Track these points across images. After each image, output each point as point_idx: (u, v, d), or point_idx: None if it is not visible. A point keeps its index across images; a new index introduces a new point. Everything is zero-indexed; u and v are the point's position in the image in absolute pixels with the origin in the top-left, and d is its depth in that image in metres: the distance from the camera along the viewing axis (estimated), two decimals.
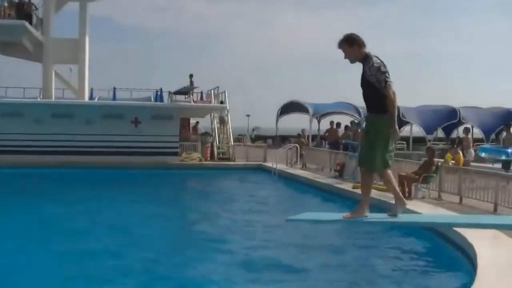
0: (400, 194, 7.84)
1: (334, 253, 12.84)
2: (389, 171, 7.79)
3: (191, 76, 36.98)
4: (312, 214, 7.99)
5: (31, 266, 11.41)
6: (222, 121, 38.25)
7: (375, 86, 7.40)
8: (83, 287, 10.30)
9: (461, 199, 17.58)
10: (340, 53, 7.60)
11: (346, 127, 29.43)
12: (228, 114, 38.30)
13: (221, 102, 37.40)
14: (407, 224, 11.98)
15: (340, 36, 7.59)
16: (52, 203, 19.73)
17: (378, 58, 7.48)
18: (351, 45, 7.53)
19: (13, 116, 33.47)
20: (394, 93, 7.34)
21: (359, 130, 25.49)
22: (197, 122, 39.82)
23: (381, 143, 7.56)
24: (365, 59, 7.50)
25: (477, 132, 43.20)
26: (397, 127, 7.49)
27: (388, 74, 7.40)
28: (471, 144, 24.99)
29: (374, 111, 7.58)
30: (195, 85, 37.01)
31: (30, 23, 33.91)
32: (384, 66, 7.43)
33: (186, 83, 36.86)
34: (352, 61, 7.64)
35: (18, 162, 31.64)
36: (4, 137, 33.03)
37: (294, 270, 11.14)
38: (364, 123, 7.76)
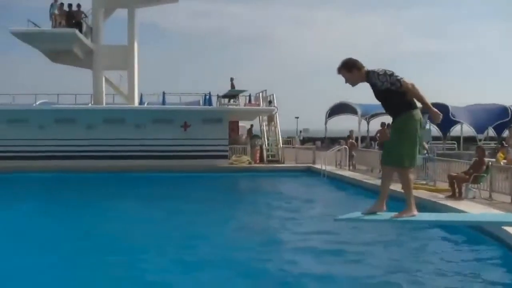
0: (413, 201, 7.89)
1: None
2: (409, 172, 7.87)
3: (232, 79, 37.23)
4: (360, 214, 8.03)
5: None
6: (270, 120, 38.37)
7: (393, 90, 7.48)
8: None
9: None
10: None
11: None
12: (277, 116, 38.40)
13: (270, 102, 37.52)
14: (457, 223, 11.97)
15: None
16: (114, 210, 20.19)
17: (378, 68, 7.59)
18: (350, 70, 7.67)
19: (66, 122, 34.11)
20: (413, 85, 7.42)
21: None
22: (252, 125, 39.91)
23: (407, 140, 7.64)
24: (367, 76, 7.60)
25: None
26: (436, 110, 7.55)
27: (396, 73, 7.48)
28: None
29: (399, 113, 7.64)
30: (237, 87, 37.18)
31: (80, 31, 34.52)
32: (388, 70, 7.54)
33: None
34: (354, 84, 7.78)
35: (71, 167, 32.32)
36: (58, 143, 33.73)
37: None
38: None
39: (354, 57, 7.72)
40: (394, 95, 7.51)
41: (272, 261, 11.83)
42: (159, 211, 18.98)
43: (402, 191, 7.86)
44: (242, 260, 11.97)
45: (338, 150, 32.43)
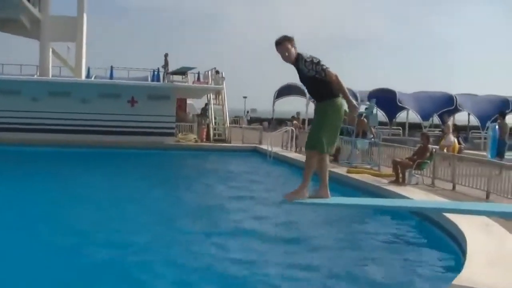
0: (327, 183, 8.07)
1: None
2: (327, 157, 8.03)
3: (166, 55, 37.13)
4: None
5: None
6: (218, 94, 38.29)
7: (317, 78, 7.59)
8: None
9: (454, 186, 17.67)
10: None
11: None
12: (225, 95, 38.29)
13: (217, 72, 37.49)
14: (397, 208, 12.12)
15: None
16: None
17: (306, 53, 7.67)
18: (293, 45, 7.70)
19: (10, 94, 33.42)
20: (336, 76, 7.51)
21: (355, 115, 25.50)
22: (206, 104, 39.51)
23: (328, 126, 7.79)
24: (297, 59, 7.67)
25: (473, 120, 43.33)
26: (354, 102, 7.73)
27: (322, 62, 7.57)
28: (450, 130, 25.03)
29: (322, 99, 7.78)
30: (186, 65, 37.07)
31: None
32: (313, 57, 7.62)
33: (184, 63, 36.96)
34: (288, 61, 7.78)
35: (13, 139, 31.69)
36: (0, 115, 32.98)
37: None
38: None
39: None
40: (319, 82, 7.64)
41: (206, 244, 11.74)
42: (92, 189, 18.70)
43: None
44: (175, 240, 11.90)
45: (285, 131, 32.49)
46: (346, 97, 7.63)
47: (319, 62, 7.54)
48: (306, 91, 7.92)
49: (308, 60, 7.55)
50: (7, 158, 26.25)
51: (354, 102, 7.73)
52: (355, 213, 14.81)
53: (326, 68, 7.52)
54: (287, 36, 7.71)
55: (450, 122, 25.94)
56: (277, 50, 7.74)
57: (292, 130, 31.68)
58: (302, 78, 7.84)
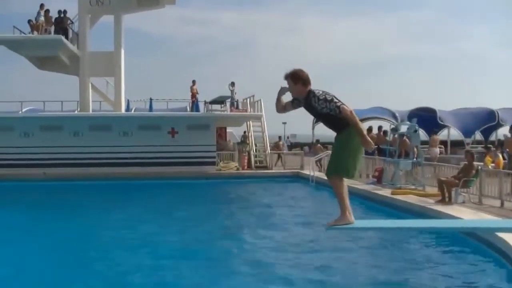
0: (348, 209, 7.86)
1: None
2: (345, 183, 7.86)
3: (232, 84, 37.12)
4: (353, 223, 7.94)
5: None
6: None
7: (332, 115, 7.67)
8: None
9: (502, 203, 17.34)
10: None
11: (384, 132, 29.25)
12: (264, 122, 38.22)
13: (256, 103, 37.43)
14: (448, 229, 11.88)
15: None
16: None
17: (319, 90, 7.74)
18: (296, 82, 7.77)
19: (52, 130, 33.91)
20: (351, 112, 7.59)
21: (396, 136, 25.29)
22: (245, 132, 39.44)
23: (350, 152, 7.73)
24: (308, 96, 7.74)
25: None
26: (367, 137, 7.68)
27: (336, 98, 7.68)
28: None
29: (342, 130, 7.78)
30: (235, 93, 37.12)
31: (66, 37, 34.39)
32: (327, 93, 7.72)
33: (222, 92, 36.97)
34: (294, 96, 7.93)
35: (57, 174, 32.10)
36: (43, 150, 33.50)
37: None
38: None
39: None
40: (334, 118, 7.73)
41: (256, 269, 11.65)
42: (141, 221, 18.75)
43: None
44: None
45: (326, 155, 32.26)
46: (361, 133, 7.61)
47: (332, 99, 7.62)
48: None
49: (321, 98, 7.62)
50: (55, 193, 26.69)
51: (368, 137, 7.69)
52: (398, 235, 14.63)
53: (341, 104, 7.58)
54: (293, 72, 7.79)
55: (493, 138, 25.87)
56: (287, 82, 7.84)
57: None
58: (315, 114, 7.92)
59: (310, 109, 7.80)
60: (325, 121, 7.91)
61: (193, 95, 37.36)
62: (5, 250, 13.91)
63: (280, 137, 44.17)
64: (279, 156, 37.58)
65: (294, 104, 8.02)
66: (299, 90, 7.74)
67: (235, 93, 37.50)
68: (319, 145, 37.57)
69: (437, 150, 23.80)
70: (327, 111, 7.61)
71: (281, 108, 8.13)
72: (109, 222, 18.76)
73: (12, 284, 10.99)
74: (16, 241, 15.34)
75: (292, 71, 7.78)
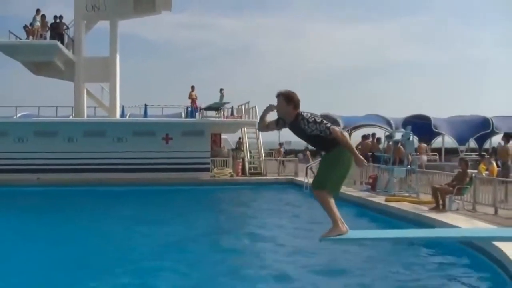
0: (339, 218, 7.83)
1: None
2: (332, 199, 7.80)
3: (221, 90, 37.10)
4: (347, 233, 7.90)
5: None
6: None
7: (322, 137, 7.65)
8: None
9: (496, 211, 17.38)
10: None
11: (378, 139, 29.31)
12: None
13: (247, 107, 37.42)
14: (444, 239, 11.85)
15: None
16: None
17: (307, 113, 7.76)
18: (288, 103, 7.75)
19: (47, 135, 33.92)
20: (341, 133, 7.64)
21: (390, 143, 25.35)
22: (240, 138, 39.37)
23: (336, 169, 7.71)
24: (296, 118, 7.72)
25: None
26: (359, 156, 7.72)
27: (325, 120, 7.73)
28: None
29: (331, 150, 7.73)
30: (225, 99, 37.09)
31: (62, 42, 34.38)
32: (315, 115, 7.76)
33: (217, 98, 36.95)
34: (281, 115, 7.90)
35: (51, 180, 32.09)
36: (38, 156, 33.48)
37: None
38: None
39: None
40: (323, 141, 7.71)
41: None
42: (139, 226, 18.76)
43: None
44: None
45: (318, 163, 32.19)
46: (353, 152, 7.63)
47: (322, 121, 7.65)
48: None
49: (310, 120, 7.62)
50: (48, 198, 26.71)
51: (360, 156, 7.73)
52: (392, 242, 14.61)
53: (330, 126, 7.61)
54: (287, 93, 7.80)
55: (488, 146, 26.16)
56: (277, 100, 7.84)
57: None
58: (303, 136, 7.86)
59: (299, 131, 7.79)
60: (314, 142, 7.94)
61: (193, 101, 37.33)
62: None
63: (280, 144, 44.14)
64: (280, 163, 37.57)
65: (279, 124, 8.03)
66: (289, 111, 7.77)
67: (223, 99, 37.53)
68: (308, 152, 38.43)
69: (425, 157, 24.16)
70: (317, 133, 7.62)
71: (264, 126, 8.18)
72: (101, 226, 18.86)
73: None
74: (9, 243, 15.39)
75: (286, 91, 7.82)
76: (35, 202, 26.15)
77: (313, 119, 7.62)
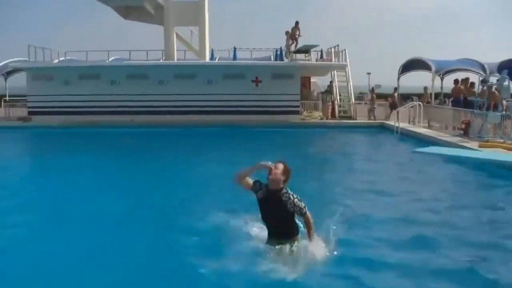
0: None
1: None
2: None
3: (297, 23, 36.74)
4: (438, 149, 7.78)
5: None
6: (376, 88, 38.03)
7: (294, 215, 8.57)
8: None
9: None
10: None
11: (471, 84, 28.59)
12: (349, 71, 37.79)
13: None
14: None
15: None
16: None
17: (292, 192, 8.54)
18: (283, 175, 8.48)
19: (138, 78, 34.52)
20: (311, 218, 8.55)
21: (485, 88, 24.65)
22: (331, 82, 38.97)
23: None
24: (280, 190, 8.48)
25: None
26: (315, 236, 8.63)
27: (304, 204, 8.51)
28: None
29: (291, 237, 8.66)
30: (308, 43, 36.65)
31: None
32: (301, 200, 8.52)
33: (306, 42, 36.60)
34: (273, 182, 8.47)
35: (142, 122, 32.89)
36: (130, 98, 34.24)
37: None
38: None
39: None
40: (292, 219, 8.63)
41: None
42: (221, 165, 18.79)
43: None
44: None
45: (412, 106, 31.76)
46: (311, 236, 8.52)
47: (305, 206, 8.49)
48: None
49: (296, 202, 8.41)
50: (144, 139, 27.73)
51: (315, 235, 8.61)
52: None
53: (306, 211, 8.47)
54: (289, 170, 8.53)
55: None
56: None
57: (419, 104, 30.90)
58: (279, 206, 8.43)
59: (276, 203, 8.40)
60: (283, 221, 8.57)
61: (294, 38, 37.07)
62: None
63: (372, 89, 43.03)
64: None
65: (255, 186, 8.67)
66: (278, 181, 8.42)
67: (298, 35, 37.15)
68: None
69: None
70: (295, 210, 8.44)
71: (242, 178, 8.71)
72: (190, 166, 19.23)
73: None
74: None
75: (289, 170, 8.52)
76: (134, 142, 26.68)
77: (299, 202, 8.42)
